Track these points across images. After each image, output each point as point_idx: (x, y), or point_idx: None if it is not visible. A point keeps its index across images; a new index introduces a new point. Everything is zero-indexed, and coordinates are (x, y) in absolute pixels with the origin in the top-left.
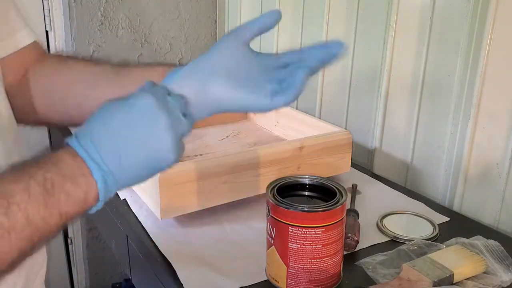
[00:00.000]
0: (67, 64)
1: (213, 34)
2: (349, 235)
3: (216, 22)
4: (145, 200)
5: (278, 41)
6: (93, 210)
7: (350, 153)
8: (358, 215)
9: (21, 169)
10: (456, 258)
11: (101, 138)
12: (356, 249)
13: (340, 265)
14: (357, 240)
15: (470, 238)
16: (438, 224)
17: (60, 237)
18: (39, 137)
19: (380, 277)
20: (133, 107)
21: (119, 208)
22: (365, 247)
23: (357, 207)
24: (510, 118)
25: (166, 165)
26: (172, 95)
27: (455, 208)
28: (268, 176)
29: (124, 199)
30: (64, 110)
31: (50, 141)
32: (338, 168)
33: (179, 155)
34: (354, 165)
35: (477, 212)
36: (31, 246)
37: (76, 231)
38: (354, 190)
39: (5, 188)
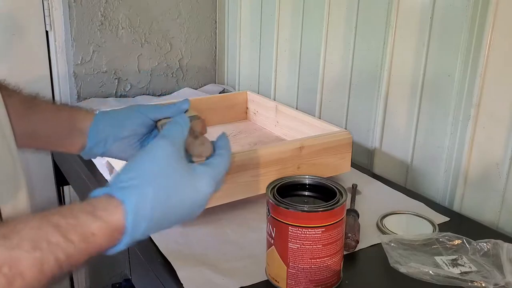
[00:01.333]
0: None
1: (213, 34)
2: (349, 235)
3: (216, 22)
4: None
5: (279, 41)
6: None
7: (350, 153)
8: (358, 215)
9: (44, 232)
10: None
11: (154, 222)
12: (356, 249)
13: (340, 265)
14: (357, 240)
15: (482, 240)
16: (438, 224)
17: None
18: None
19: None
20: (197, 194)
21: None
22: (365, 247)
23: (357, 207)
24: (510, 118)
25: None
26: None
27: (455, 208)
28: (268, 176)
29: None
30: None
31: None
32: (338, 168)
33: None
34: (354, 165)
35: (477, 212)
36: None
37: None
38: (354, 190)
39: (19, 256)
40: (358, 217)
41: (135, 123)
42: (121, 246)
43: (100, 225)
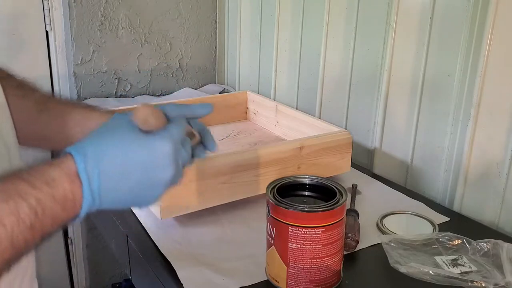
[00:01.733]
0: None
1: (213, 34)
2: (349, 235)
3: (216, 22)
4: None
5: (279, 41)
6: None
7: (350, 153)
8: (358, 215)
9: (12, 184)
10: None
11: (109, 171)
12: (356, 249)
13: (340, 265)
14: (357, 240)
15: (482, 240)
16: (438, 224)
17: (60, 237)
18: None
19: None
20: (151, 152)
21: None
22: (365, 247)
23: (357, 207)
24: (510, 118)
25: (146, 206)
26: (186, 143)
27: (455, 208)
28: (268, 176)
29: None
30: None
31: None
32: (338, 168)
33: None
34: (354, 165)
35: (477, 212)
36: (8, 266)
37: (76, 231)
38: (354, 190)
39: None
40: (358, 217)
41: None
42: (87, 198)
43: (56, 170)
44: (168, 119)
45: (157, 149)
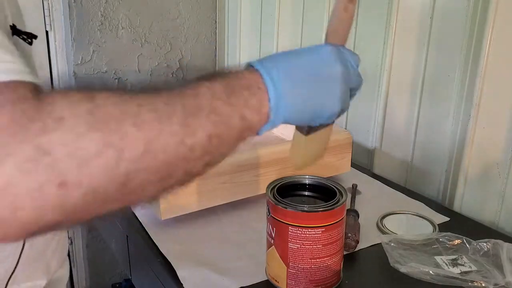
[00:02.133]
0: None
1: (213, 34)
2: (349, 235)
3: (216, 22)
4: None
5: (278, 41)
6: (261, 131)
7: (350, 153)
8: (358, 215)
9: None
10: None
11: (283, 67)
12: (356, 249)
13: (340, 265)
14: (357, 240)
15: (482, 240)
16: (438, 224)
17: None
18: None
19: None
20: (316, 52)
21: None
22: (365, 247)
23: (357, 207)
24: (510, 118)
25: (328, 115)
26: (348, 51)
27: (455, 208)
28: (268, 176)
29: None
30: None
31: None
32: (338, 168)
33: (343, 109)
34: (354, 165)
35: (477, 212)
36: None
37: (76, 231)
38: (354, 190)
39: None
40: (358, 217)
41: None
42: (272, 94)
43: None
44: None
45: (321, 49)
